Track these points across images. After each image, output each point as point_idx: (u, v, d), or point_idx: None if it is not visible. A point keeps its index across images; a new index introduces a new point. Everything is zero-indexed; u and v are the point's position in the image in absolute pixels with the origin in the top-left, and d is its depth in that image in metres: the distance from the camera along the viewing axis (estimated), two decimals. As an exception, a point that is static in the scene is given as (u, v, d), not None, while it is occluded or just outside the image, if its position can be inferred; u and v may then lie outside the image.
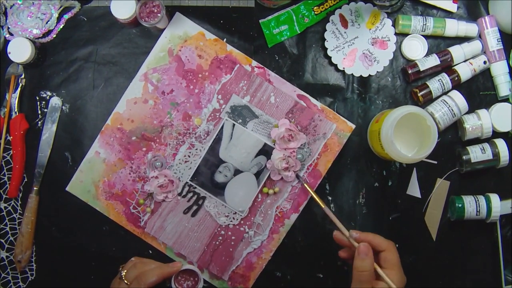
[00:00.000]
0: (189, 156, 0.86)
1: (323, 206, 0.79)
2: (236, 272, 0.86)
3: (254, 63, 0.87)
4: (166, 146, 0.86)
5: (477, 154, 0.86)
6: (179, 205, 0.86)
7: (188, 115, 0.86)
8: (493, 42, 0.87)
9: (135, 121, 0.86)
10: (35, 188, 0.86)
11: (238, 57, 0.86)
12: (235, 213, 0.86)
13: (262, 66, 0.87)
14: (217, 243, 0.86)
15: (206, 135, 0.86)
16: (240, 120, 0.85)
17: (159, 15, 0.82)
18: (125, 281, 0.75)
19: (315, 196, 0.81)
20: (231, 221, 0.86)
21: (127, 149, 0.86)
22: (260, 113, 0.86)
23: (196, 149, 0.86)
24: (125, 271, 0.76)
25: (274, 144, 0.85)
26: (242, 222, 0.86)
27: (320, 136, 0.86)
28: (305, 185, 0.83)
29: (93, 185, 0.86)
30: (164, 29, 0.86)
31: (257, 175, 0.85)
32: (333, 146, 0.86)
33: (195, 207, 0.86)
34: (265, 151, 0.85)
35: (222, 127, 0.85)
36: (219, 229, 0.86)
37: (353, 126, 0.87)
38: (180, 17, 0.87)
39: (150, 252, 0.86)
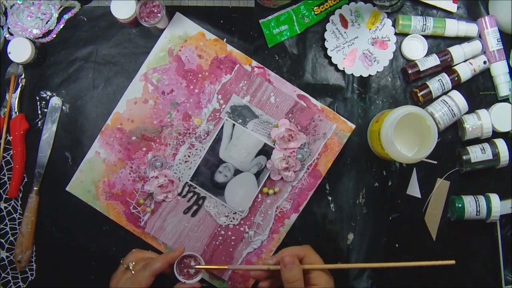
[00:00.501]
0: (189, 156, 0.86)
1: (225, 267, 0.79)
2: (236, 272, 0.86)
3: (254, 63, 0.87)
4: (166, 146, 0.86)
5: (477, 154, 0.86)
6: (179, 205, 0.86)
7: (188, 115, 0.86)
8: (493, 42, 0.87)
9: (135, 121, 0.86)
10: (35, 188, 0.86)
11: (238, 57, 0.86)
12: (235, 213, 0.86)
13: (262, 66, 0.87)
14: (217, 243, 0.86)
15: (206, 135, 0.86)
16: (240, 120, 0.85)
17: (159, 15, 0.82)
18: (132, 271, 0.74)
19: (214, 267, 0.82)
20: (231, 221, 0.86)
21: (127, 149, 0.86)
22: (260, 113, 0.86)
23: (196, 149, 0.86)
24: (133, 262, 0.76)
25: (274, 144, 0.85)
26: (242, 222, 0.86)
27: (320, 136, 0.86)
28: (200, 267, 0.80)
29: (93, 185, 0.86)
30: (164, 29, 0.86)
31: (257, 175, 0.85)
32: (333, 146, 0.86)
33: (195, 207, 0.86)
34: (265, 151, 0.85)
35: (222, 127, 0.85)
36: (219, 229, 0.86)
37: (353, 126, 0.87)
38: (180, 17, 0.87)
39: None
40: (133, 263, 0.76)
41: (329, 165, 0.86)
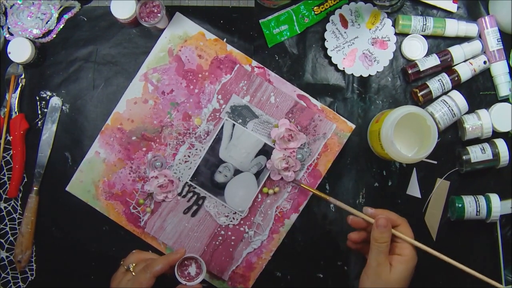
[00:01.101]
0: (189, 156, 0.86)
1: (328, 198, 0.80)
2: (236, 272, 0.86)
3: (254, 63, 0.87)
4: (166, 146, 0.86)
5: (477, 154, 0.86)
6: (179, 205, 0.86)
7: (188, 115, 0.86)
8: (493, 42, 0.87)
9: (135, 121, 0.86)
10: (35, 188, 0.86)
11: (238, 57, 0.86)
12: (235, 213, 0.86)
13: (262, 66, 0.87)
14: (217, 243, 0.86)
15: (206, 135, 0.86)
16: (240, 120, 0.85)
17: (159, 15, 0.82)
18: (133, 273, 0.74)
19: (317, 193, 0.81)
20: (231, 221, 0.86)
21: (127, 149, 0.86)
22: (260, 113, 0.86)
23: (196, 149, 0.86)
24: (134, 264, 0.76)
25: (274, 144, 0.85)
26: (242, 222, 0.86)
27: (320, 136, 0.86)
28: (302, 185, 0.83)
29: (93, 185, 0.86)
30: (164, 29, 0.86)
31: (257, 175, 0.85)
32: (333, 146, 0.86)
33: (195, 207, 0.86)
34: (265, 151, 0.85)
35: (222, 127, 0.85)
36: (219, 229, 0.86)
37: (353, 126, 0.87)
38: (180, 17, 0.87)
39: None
40: (134, 265, 0.76)
41: (329, 165, 0.86)
